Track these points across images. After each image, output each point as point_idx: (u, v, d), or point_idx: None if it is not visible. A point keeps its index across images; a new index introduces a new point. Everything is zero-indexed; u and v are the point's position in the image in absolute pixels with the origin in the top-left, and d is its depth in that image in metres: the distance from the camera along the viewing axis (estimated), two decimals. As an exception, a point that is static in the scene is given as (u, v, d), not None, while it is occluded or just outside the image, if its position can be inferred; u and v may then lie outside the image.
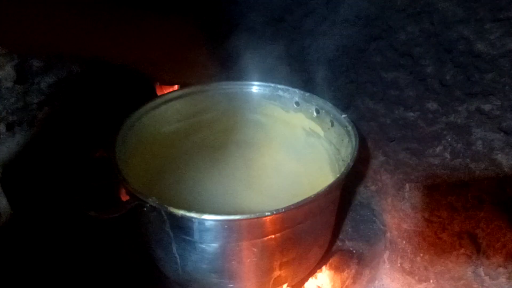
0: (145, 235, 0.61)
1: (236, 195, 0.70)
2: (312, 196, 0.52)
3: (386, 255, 0.80)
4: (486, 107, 0.58)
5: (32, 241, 0.78)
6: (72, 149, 0.88)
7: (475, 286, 0.67)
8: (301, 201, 0.51)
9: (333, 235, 0.72)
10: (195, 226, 0.52)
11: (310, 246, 0.61)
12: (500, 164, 0.60)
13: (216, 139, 0.78)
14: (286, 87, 0.74)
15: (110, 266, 0.70)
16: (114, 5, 0.56)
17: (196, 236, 0.53)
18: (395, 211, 0.76)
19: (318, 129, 0.72)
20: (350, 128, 0.64)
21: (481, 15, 0.53)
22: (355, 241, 0.77)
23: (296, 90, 0.74)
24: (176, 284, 0.64)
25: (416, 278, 0.75)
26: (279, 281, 0.61)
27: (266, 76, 0.75)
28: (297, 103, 0.74)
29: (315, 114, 0.72)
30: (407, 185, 0.72)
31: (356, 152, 0.59)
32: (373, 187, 0.80)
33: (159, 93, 0.80)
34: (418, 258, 0.75)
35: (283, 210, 0.50)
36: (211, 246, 0.54)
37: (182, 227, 0.53)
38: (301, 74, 0.76)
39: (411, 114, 0.66)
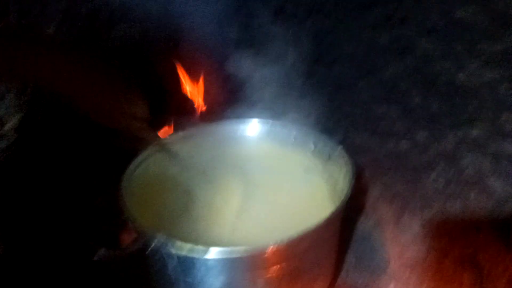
0: (149, 277, 0.61)
1: (235, 229, 0.70)
2: (313, 227, 0.53)
3: (391, 287, 0.80)
4: (473, 133, 0.61)
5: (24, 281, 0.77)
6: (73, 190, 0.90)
7: (483, 312, 0.67)
8: (302, 232, 0.52)
9: (336, 267, 0.72)
10: (200, 263, 0.52)
11: (314, 277, 0.61)
12: (492, 188, 0.62)
13: (215, 177, 0.80)
14: (284, 123, 0.77)
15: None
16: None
17: (202, 273, 0.53)
18: (396, 241, 0.77)
19: (316, 163, 0.74)
20: (346, 159, 0.67)
21: (458, 49, 0.58)
22: (359, 272, 0.76)
23: (293, 126, 0.77)
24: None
25: (423, 308, 0.74)
26: (285, 314, 0.60)
27: (263, 113, 0.79)
28: (295, 138, 0.77)
29: (312, 148, 0.75)
30: (405, 215, 0.74)
31: (353, 179, 0.61)
32: (373, 218, 0.81)
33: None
34: (424, 287, 0.75)
35: (285, 241, 0.51)
36: (217, 282, 0.54)
37: (186, 266, 0.53)
38: (297, 111, 0.79)
39: (403, 144, 0.69)
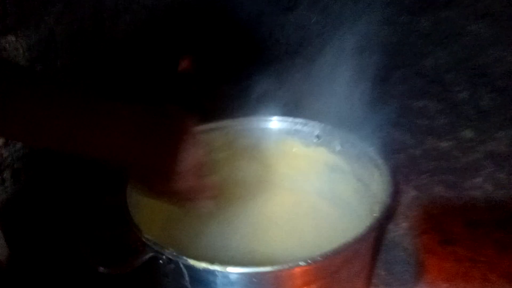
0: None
1: (255, 240, 0.63)
2: (351, 241, 0.45)
3: (426, 301, 0.72)
4: (530, 132, 0.53)
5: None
6: (78, 194, 0.84)
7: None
8: (339, 246, 0.45)
9: (369, 281, 0.64)
10: (218, 279, 0.45)
11: (346, 296, 0.53)
12: (551, 195, 0.54)
13: (231, 178, 0.73)
14: (305, 120, 0.70)
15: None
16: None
17: (219, 291, 0.46)
18: (433, 250, 0.69)
19: (343, 164, 0.67)
20: (380, 161, 0.59)
21: (517, 34, 0.50)
22: (390, 285, 0.69)
23: (316, 123, 0.69)
24: None
25: (463, 324, 0.67)
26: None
27: (284, 110, 0.71)
28: (318, 137, 0.69)
29: (338, 147, 0.67)
30: (444, 222, 0.66)
31: (392, 188, 0.53)
32: (405, 224, 0.73)
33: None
34: (463, 303, 0.67)
35: (318, 258, 0.44)
36: (236, 302, 0.47)
37: (203, 281, 0.46)
38: (321, 107, 0.71)
39: (445, 143, 0.61)
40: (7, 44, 0.73)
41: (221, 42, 0.79)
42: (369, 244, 0.53)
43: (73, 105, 0.41)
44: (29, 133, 0.39)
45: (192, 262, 0.44)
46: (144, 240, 0.48)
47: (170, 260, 0.46)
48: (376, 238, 0.56)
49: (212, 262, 0.44)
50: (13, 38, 0.74)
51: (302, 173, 0.73)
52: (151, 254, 0.48)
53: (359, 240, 0.46)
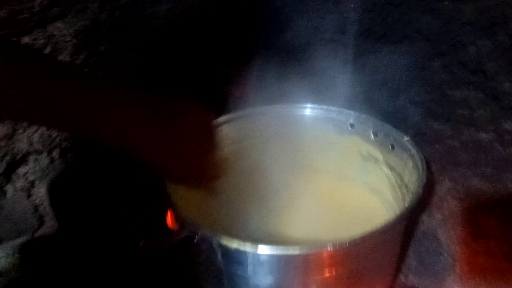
0: (194, 269, 0.58)
1: (285, 224, 0.66)
2: (379, 228, 0.47)
3: (457, 293, 0.72)
4: None
5: (79, 261, 0.79)
6: (120, 173, 0.90)
7: None
8: (367, 233, 0.46)
9: (397, 272, 0.65)
10: (249, 259, 0.48)
11: (374, 282, 0.55)
12: None
13: (264, 164, 0.75)
14: (340, 109, 0.70)
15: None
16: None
17: (250, 270, 0.49)
18: (466, 243, 0.68)
19: (376, 153, 0.67)
20: (414, 151, 0.59)
21: None
22: (421, 276, 0.69)
23: (351, 112, 0.69)
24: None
25: (494, 320, 0.66)
26: (339, 321, 0.55)
27: (319, 98, 0.72)
28: (351, 126, 0.70)
29: (372, 137, 0.67)
30: (480, 215, 0.65)
31: (425, 179, 0.53)
32: (438, 216, 0.73)
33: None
34: (495, 298, 0.66)
35: (347, 243, 0.45)
36: (265, 281, 0.50)
37: (235, 260, 0.49)
38: (356, 95, 0.71)
39: (485, 135, 0.60)
40: (55, 31, 0.79)
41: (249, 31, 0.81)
42: (398, 233, 0.54)
43: (108, 98, 0.44)
44: (69, 123, 0.42)
45: (224, 241, 0.47)
46: (180, 219, 0.52)
47: (204, 239, 0.49)
48: (405, 227, 0.56)
49: (244, 242, 0.47)
50: (61, 25, 0.79)
51: (335, 160, 0.74)
52: (186, 233, 0.51)
53: (387, 229, 0.47)
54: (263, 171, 0.73)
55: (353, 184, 0.71)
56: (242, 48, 0.88)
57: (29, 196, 0.88)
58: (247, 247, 0.46)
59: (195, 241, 0.50)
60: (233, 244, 0.47)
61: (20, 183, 0.86)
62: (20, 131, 0.80)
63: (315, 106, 0.72)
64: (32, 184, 0.87)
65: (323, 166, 0.74)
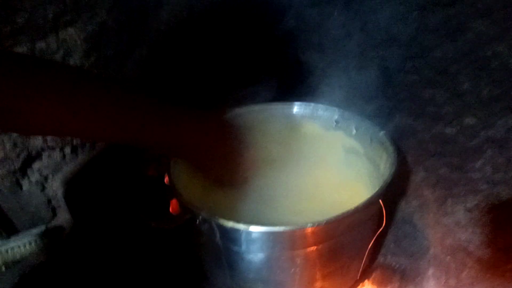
0: (197, 247, 0.67)
1: (277, 209, 0.75)
2: (351, 210, 0.56)
3: (430, 272, 0.82)
4: (526, 121, 0.60)
5: (91, 248, 0.88)
6: (126, 167, 0.99)
7: (525, 303, 0.67)
8: (341, 214, 0.55)
9: (374, 250, 0.74)
10: (243, 237, 0.57)
11: (350, 258, 0.64)
12: (543, 178, 0.61)
13: (258, 156, 0.84)
14: (326, 106, 0.79)
15: (161, 276, 0.78)
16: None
17: (244, 247, 0.58)
18: (438, 226, 0.77)
19: (357, 146, 0.76)
20: (388, 144, 0.68)
21: (514, 33, 0.57)
22: (398, 256, 0.79)
23: (336, 109, 0.78)
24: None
25: (463, 295, 0.76)
26: (322, 291, 0.65)
27: (307, 96, 0.81)
28: (336, 121, 0.79)
29: (354, 131, 0.77)
30: (449, 200, 0.74)
31: (394, 168, 0.63)
32: (415, 203, 0.82)
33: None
34: (464, 275, 0.75)
35: (324, 222, 0.55)
36: (257, 256, 0.59)
37: (231, 238, 0.58)
38: (340, 93, 0.80)
39: (450, 129, 0.69)
40: (67, 36, 0.87)
41: (249, 39, 0.89)
42: (370, 215, 0.63)
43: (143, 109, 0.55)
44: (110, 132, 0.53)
45: (221, 221, 0.56)
46: (184, 205, 0.61)
47: (204, 220, 0.59)
48: (378, 210, 0.66)
49: (238, 222, 0.56)
50: (72, 31, 0.88)
51: (321, 153, 0.83)
52: (190, 215, 0.61)
53: (357, 211, 0.56)
54: (257, 162, 0.82)
55: (338, 173, 0.80)
56: (239, 50, 0.97)
57: (43, 189, 0.98)
58: (240, 226, 0.55)
59: (197, 222, 0.59)
60: (229, 224, 0.56)
61: (35, 178, 0.96)
62: (35, 129, 0.89)
63: (303, 103, 0.81)
64: (46, 178, 0.97)
65: (312, 157, 0.83)
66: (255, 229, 0.55)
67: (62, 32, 0.85)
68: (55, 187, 0.97)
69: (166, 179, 0.66)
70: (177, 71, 0.96)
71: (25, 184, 0.94)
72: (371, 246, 0.70)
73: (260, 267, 0.60)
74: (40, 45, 0.83)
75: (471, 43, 0.61)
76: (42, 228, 0.94)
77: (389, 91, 0.75)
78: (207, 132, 0.63)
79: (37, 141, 0.90)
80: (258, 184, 0.74)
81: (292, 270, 0.60)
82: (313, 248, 0.58)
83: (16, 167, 0.91)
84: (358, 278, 0.71)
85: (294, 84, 0.86)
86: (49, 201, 0.98)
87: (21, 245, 0.90)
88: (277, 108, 0.84)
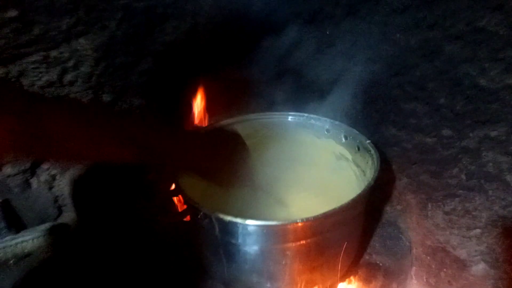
0: (197, 241, 0.76)
1: (272, 206, 0.84)
2: (337, 208, 0.65)
3: (413, 271, 0.91)
4: (493, 133, 0.70)
5: (95, 244, 0.97)
6: (129, 172, 1.08)
7: (496, 300, 0.76)
8: (327, 211, 0.65)
9: (360, 248, 0.83)
10: (239, 230, 0.66)
11: (337, 253, 0.73)
12: (509, 184, 0.71)
13: (257, 160, 0.93)
14: (318, 117, 0.89)
15: (163, 269, 0.86)
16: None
17: (240, 240, 0.67)
18: (420, 228, 0.87)
19: (346, 153, 0.86)
20: (373, 152, 0.78)
21: (481, 55, 0.66)
22: (382, 255, 0.88)
23: (327, 119, 0.88)
24: (221, 284, 0.78)
25: (441, 292, 0.85)
26: (310, 283, 0.74)
27: (301, 107, 0.91)
28: (327, 130, 0.89)
29: (343, 140, 0.86)
30: (429, 205, 0.84)
31: (377, 173, 0.72)
32: (399, 207, 0.91)
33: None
34: (442, 273, 0.85)
35: (311, 218, 0.64)
36: (252, 248, 0.68)
37: (229, 231, 0.67)
38: (332, 105, 0.90)
39: (429, 139, 0.78)
40: (78, 46, 0.97)
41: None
42: (355, 214, 0.72)
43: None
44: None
45: (220, 216, 0.65)
46: (187, 201, 0.70)
47: (205, 215, 0.67)
48: (362, 211, 0.75)
49: (235, 217, 0.65)
50: (83, 41, 0.97)
51: (313, 159, 0.93)
52: (192, 211, 0.70)
53: (343, 209, 0.65)
54: (256, 165, 0.91)
55: (329, 177, 0.90)
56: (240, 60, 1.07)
57: (50, 188, 1.07)
58: (237, 220, 0.65)
59: (198, 216, 0.68)
60: (227, 218, 0.65)
61: (43, 177, 1.04)
62: (46, 131, 0.98)
63: (297, 114, 0.91)
64: (54, 178, 1.05)
65: (305, 162, 0.92)
66: (250, 223, 0.64)
67: (74, 42, 0.95)
68: (62, 186, 1.06)
69: (167, 184, 0.75)
70: (180, 81, 1.06)
71: (34, 183, 1.03)
72: (356, 245, 0.79)
73: (254, 259, 0.69)
74: (54, 53, 0.92)
75: (445, 63, 0.71)
76: (49, 225, 1.03)
77: (377, 103, 0.85)
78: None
79: (47, 143, 0.99)
80: (255, 185, 0.84)
81: (283, 262, 0.69)
82: (302, 242, 0.67)
83: (26, 167, 1.00)
84: (344, 273, 0.80)
85: (290, 95, 0.96)
86: (56, 199, 1.07)
87: (29, 240, 0.98)
88: (274, 117, 0.93)
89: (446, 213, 0.81)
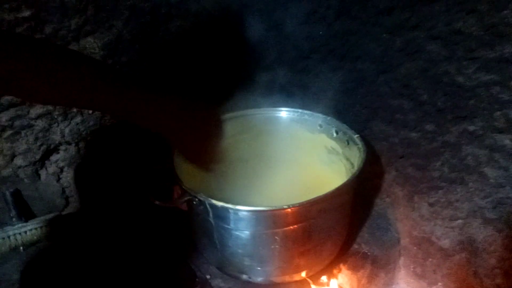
0: (192, 226, 0.84)
1: (266, 196, 0.91)
2: (322, 196, 0.72)
3: (401, 261, 0.97)
4: (471, 128, 0.76)
5: (99, 233, 1.05)
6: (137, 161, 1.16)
7: (477, 287, 0.83)
8: (313, 198, 0.72)
9: (348, 237, 0.90)
10: (231, 215, 0.74)
11: (324, 240, 0.80)
12: (487, 176, 0.77)
13: (251, 154, 1.01)
14: (311, 112, 0.96)
15: (160, 255, 0.94)
16: None
17: (232, 224, 0.75)
18: (407, 219, 0.93)
19: (337, 147, 0.93)
20: (360, 145, 0.84)
21: (458, 54, 0.73)
22: (371, 245, 0.94)
23: (319, 115, 0.95)
24: (215, 268, 0.86)
25: (427, 281, 0.92)
26: (298, 268, 0.81)
27: (295, 103, 0.98)
28: (320, 126, 0.96)
29: (334, 134, 0.93)
30: (415, 197, 0.90)
31: (362, 164, 0.78)
32: (388, 199, 0.98)
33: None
34: (428, 263, 0.91)
35: (298, 204, 0.71)
36: (243, 233, 0.76)
37: (222, 216, 0.75)
38: (324, 101, 0.97)
39: (414, 134, 0.85)
40: (87, 44, 1.06)
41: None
42: (341, 202, 0.79)
43: (149, 97, 0.71)
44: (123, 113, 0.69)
45: (214, 202, 0.73)
46: (183, 187, 0.78)
47: (200, 201, 0.75)
48: (349, 200, 0.82)
49: (227, 203, 0.73)
50: (91, 39, 1.06)
51: (306, 152, 1.00)
52: (188, 197, 0.77)
53: (328, 196, 0.72)
54: (251, 158, 0.99)
55: (321, 170, 0.97)
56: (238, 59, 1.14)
57: (58, 179, 1.16)
58: (229, 206, 0.72)
59: (194, 202, 0.76)
60: (220, 204, 0.72)
61: (52, 169, 1.13)
62: (55, 125, 1.07)
63: (291, 109, 0.98)
64: (62, 169, 1.14)
65: (298, 156, 0.99)
66: (241, 208, 0.72)
67: (83, 41, 1.04)
68: (70, 178, 1.15)
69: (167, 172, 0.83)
70: (184, 78, 1.14)
71: (43, 174, 1.12)
72: (343, 233, 0.86)
73: (246, 243, 0.77)
74: (64, 51, 1.01)
75: (427, 62, 0.77)
76: (56, 214, 1.12)
77: (366, 99, 0.92)
78: (194, 119, 0.77)
79: (56, 136, 1.08)
80: (249, 175, 0.91)
81: (272, 246, 0.76)
82: (291, 227, 0.74)
83: (37, 159, 1.09)
84: (331, 260, 0.87)
85: (282, 92, 1.04)
86: (63, 190, 1.16)
87: (38, 227, 1.07)
88: (269, 112, 1.00)
89: (431, 204, 0.87)
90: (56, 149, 1.10)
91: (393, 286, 0.98)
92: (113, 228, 1.06)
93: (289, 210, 0.72)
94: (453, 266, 0.85)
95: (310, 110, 0.96)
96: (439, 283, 0.89)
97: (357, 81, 0.92)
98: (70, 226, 1.12)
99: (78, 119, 1.08)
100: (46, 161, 1.11)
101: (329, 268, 0.88)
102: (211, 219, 0.76)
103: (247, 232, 0.76)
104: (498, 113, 0.72)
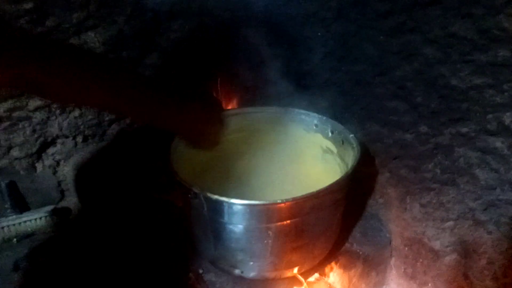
0: (187, 221, 0.85)
1: (261, 192, 0.93)
2: (315, 192, 0.74)
3: (392, 262, 0.99)
4: (464, 130, 0.78)
5: (95, 226, 1.06)
6: (135, 159, 1.18)
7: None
8: (305, 194, 0.73)
9: (341, 235, 0.91)
10: (225, 209, 0.75)
11: (316, 237, 0.81)
12: (478, 177, 0.79)
13: (248, 151, 1.03)
14: (307, 112, 0.98)
15: (156, 250, 0.95)
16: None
17: (226, 218, 0.76)
18: (399, 220, 0.95)
19: (332, 146, 0.94)
20: (355, 145, 0.86)
21: (453, 57, 0.75)
22: (363, 245, 0.95)
23: (316, 115, 0.97)
24: (208, 262, 0.87)
25: (417, 282, 0.93)
26: (290, 264, 0.82)
27: (292, 103, 1.00)
28: (316, 125, 0.97)
29: (330, 134, 0.95)
30: (407, 198, 0.92)
31: (355, 163, 0.80)
32: (381, 200, 0.99)
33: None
34: (418, 264, 0.93)
35: (291, 199, 0.73)
36: (237, 227, 0.77)
37: (216, 210, 0.76)
38: (321, 102, 0.99)
39: (408, 135, 0.87)
40: (87, 39, 1.07)
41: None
42: (334, 200, 0.81)
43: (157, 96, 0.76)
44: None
45: (209, 194, 0.74)
46: (179, 181, 0.79)
47: (195, 194, 0.76)
48: (341, 198, 0.83)
49: (221, 196, 0.74)
50: (92, 34, 1.07)
51: (302, 150, 1.02)
52: (184, 190, 0.78)
53: (320, 193, 0.74)
54: (248, 155, 1.00)
55: (315, 168, 0.98)
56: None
57: (54, 173, 1.16)
58: (223, 199, 0.73)
59: (189, 196, 0.77)
60: (214, 197, 0.74)
61: (48, 162, 1.14)
62: (53, 118, 1.08)
63: (288, 109, 1.00)
64: (58, 163, 1.15)
65: (293, 154, 1.01)
66: (236, 201, 0.73)
67: (83, 35, 1.05)
68: (66, 171, 1.16)
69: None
70: (185, 76, 1.16)
71: (39, 167, 1.13)
72: (335, 230, 0.87)
73: (239, 237, 0.78)
74: (64, 45, 1.03)
75: (422, 65, 0.79)
76: (51, 207, 1.12)
77: (362, 101, 0.94)
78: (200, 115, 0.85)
79: (53, 129, 1.09)
80: (245, 172, 0.93)
81: (265, 241, 0.78)
82: (283, 223, 0.76)
83: (33, 151, 1.10)
84: (323, 258, 0.88)
85: (281, 92, 1.06)
86: (59, 184, 1.17)
87: (32, 220, 1.08)
88: (267, 111, 1.02)
89: (423, 205, 0.89)
90: (53, 142, 1.11)
91: (384, 286, 0.99)
92: (108, 222, 1.07)
93: (282, 205, 0.73)
94: (444, 267, 0.87)
95: (306, 109, 0.98)
96: (429, 284, 0.90)
97: (354, 82, 0.94)
98: (65, 220, 1.13)
99: (76, 113, 1.09)
100: (42, 154, 1.12)
101: (321, 266, 0.89)
102: (205, 212, 0.78)
103: (240, 226, 0.77)
104: (491, 116, 0.74)
